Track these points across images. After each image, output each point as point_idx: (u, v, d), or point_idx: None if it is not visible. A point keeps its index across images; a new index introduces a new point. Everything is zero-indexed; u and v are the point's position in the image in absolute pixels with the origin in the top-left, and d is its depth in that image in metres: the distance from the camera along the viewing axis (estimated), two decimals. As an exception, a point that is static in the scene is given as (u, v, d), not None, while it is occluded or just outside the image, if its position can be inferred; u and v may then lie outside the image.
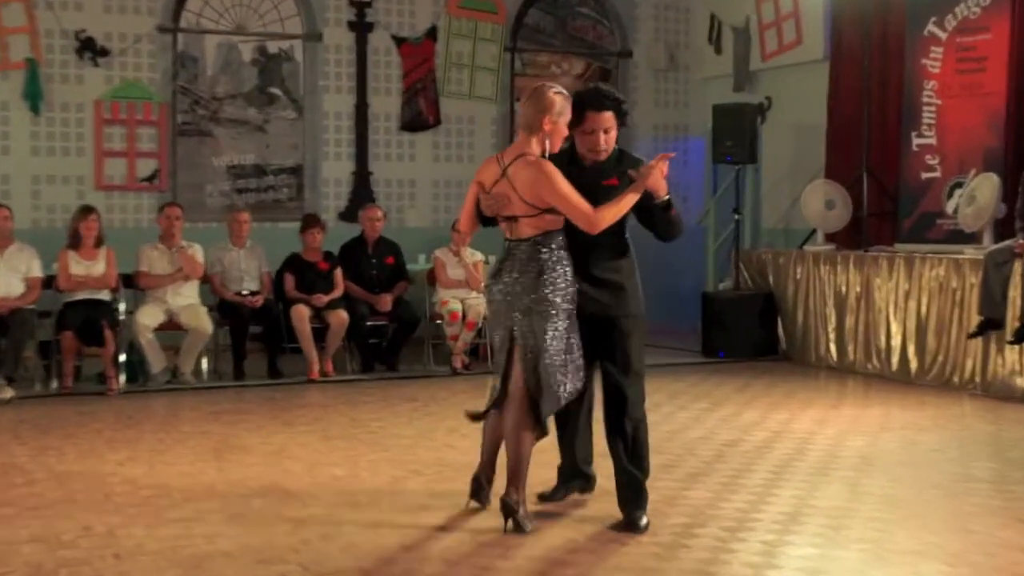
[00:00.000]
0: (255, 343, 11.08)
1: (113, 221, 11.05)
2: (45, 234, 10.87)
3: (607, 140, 6.00)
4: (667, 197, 5.93)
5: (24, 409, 9.39)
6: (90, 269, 10.50)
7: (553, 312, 5.76)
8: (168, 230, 10.88)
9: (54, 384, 10.25)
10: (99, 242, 10.58)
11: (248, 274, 11.15)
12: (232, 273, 11.12)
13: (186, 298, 10.74)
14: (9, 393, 9.70)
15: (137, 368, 10.58)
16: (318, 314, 10.91)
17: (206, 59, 13.20)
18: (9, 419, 9.01)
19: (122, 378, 10.36)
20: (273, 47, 13.42)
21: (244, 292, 11.02)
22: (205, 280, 10.99)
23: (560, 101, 5.94)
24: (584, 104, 5.95)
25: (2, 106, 12.21)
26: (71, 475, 7.07)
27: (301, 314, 10.79)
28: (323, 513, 6.16)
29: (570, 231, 5.85)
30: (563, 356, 5.80)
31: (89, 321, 10.23)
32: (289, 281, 11.11)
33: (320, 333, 10.93)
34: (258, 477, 7.00)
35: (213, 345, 10.96)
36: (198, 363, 10.79)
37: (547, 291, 5.74)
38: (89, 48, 12.42)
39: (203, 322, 10.63)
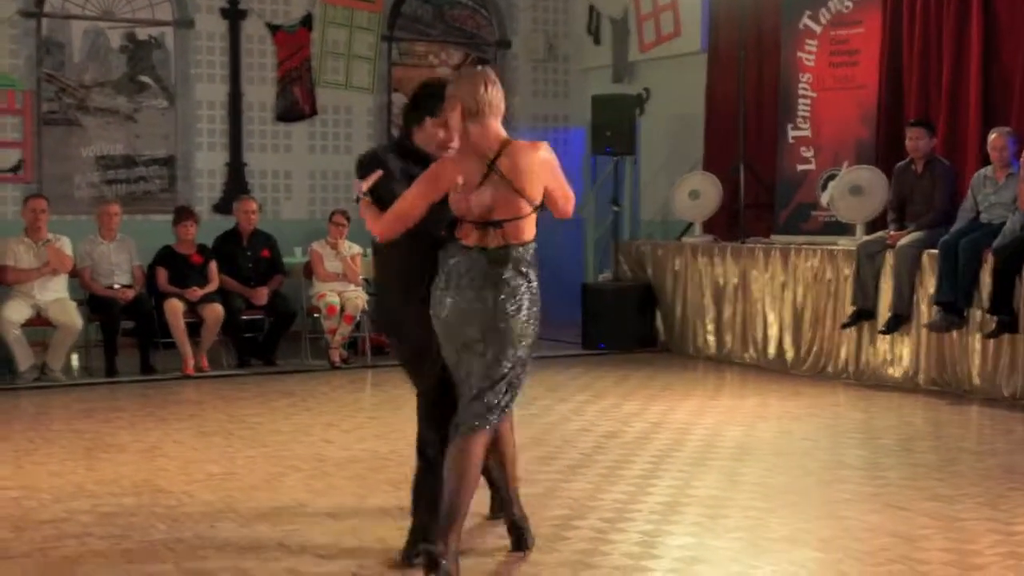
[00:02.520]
0: (127, 338, 10.98)
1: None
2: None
3: (448, 137, 5.34)
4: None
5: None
6: (-48, 263, 10.33)
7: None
8: (33, 223, 10.72)
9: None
10: (-42, 236, 10.41)
11: (119, 268, 11.03)
12: (102, 267, 10.99)
13: (54, 293, 10.60)
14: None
15: (4, 365, 10.41)
16: (192, 308, 10.84)
17: (73, 45, 12.99)
18: None
19: (-12, 376, 10.24)
20: (143, 34, 13.25)
21: (115, 286, 10.90)
22: (74, 274, 10.85)
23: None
24: (443, 95, 5.20)
25: None
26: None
27: (175, 308, 10.72)
28: (198, 511, 6.16)
29: (429, 241, 5.11)
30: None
31: (-48, 317, 10.08)
32: (162, 275, 11.02)
33: (194, 328, 10.86)
34: (131, 475, 6.96)
35: (83, 341, 10.83)
36: (68, 359, 10.68)
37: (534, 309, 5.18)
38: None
39: (72, 317, 10.49)
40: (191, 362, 10.73)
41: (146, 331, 10.89)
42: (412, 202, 4.88)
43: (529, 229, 5.18)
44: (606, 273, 13.30)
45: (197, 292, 10.91)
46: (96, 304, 10.87)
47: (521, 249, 5.10)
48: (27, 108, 12.56)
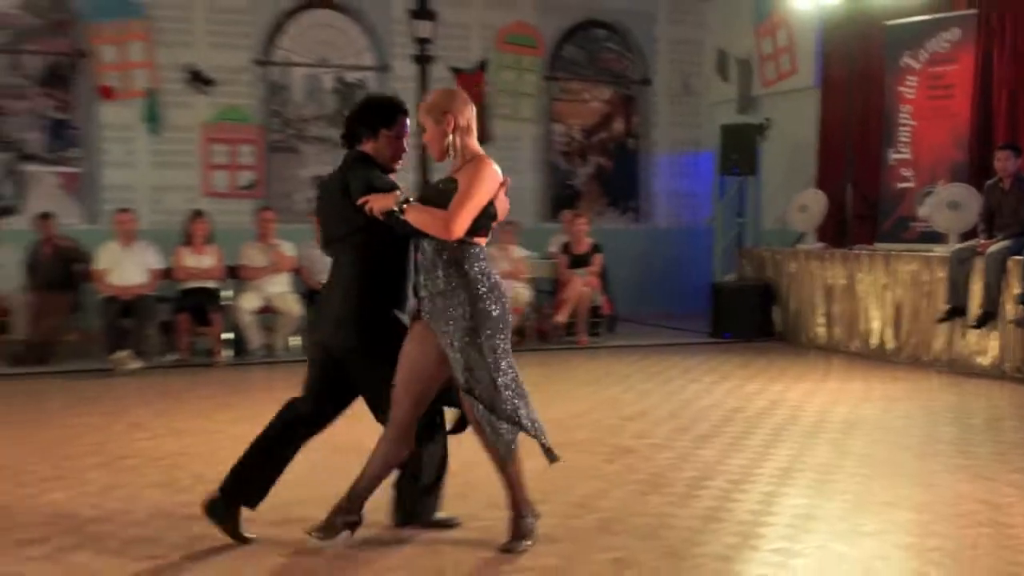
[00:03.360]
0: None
1: (219, 223, 11.14)
2: (163, 234, 10.97)
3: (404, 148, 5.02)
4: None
5: (147, 378, 9.54)
6: (200, 262, 10.63)
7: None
8: (264, 230, 11.00)
9: (172, 357, 10.38)
10: (208, 240, 10.71)
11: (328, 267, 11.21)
12: (317, 266, 11.16)
13: (279, 287, 10.85)
14: (136, 364, 9.85)
15: (239, 345, 10.70)
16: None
17: (294, 87, 13.29)
18: (135, 386, 9.15)
19: (227, 352, 10.49)
20: (350, 77, 13.50)
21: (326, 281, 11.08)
22: (295, 272, 11.09)
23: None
24: (398, 108, 4.97)
25: (128, 128, 12.36)
26: (185, 432, 7.19)
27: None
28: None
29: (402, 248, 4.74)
30: None
31: (200, 305, 10.38)
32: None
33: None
34: (337, 436, 7.07)
35: (302, 326, 11.05)
36: (288, 340, 10.89)
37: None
38: (198, 79, 12.54)
39: (293, 306, 10.74)
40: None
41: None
42: (483, 199, 4.55)
43: None
44: (731, 274, 13.13)
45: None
46: (312, 296, 11.09)
47: None
48: (259, 138, 12.88)
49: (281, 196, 13.02)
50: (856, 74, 12.33)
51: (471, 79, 13.75)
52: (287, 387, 8.98)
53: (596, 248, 12.04)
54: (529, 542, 4.70)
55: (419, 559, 4.59)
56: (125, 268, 10.29)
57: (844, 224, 11.97)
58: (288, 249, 11.00)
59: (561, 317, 11.62)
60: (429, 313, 4.57)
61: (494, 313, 4.57)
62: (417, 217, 4.45)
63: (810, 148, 13.08)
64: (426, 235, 4.52)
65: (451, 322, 4.52)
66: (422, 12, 13.40)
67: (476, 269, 4.57)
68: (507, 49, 14.00)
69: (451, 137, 4.69)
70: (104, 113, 12.35)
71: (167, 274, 10.60)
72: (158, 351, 10.39)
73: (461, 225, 4.45)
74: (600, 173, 14.90)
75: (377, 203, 4.53)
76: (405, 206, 4.45)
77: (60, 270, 10.59)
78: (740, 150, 12.85)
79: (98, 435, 7.10)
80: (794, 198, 12.55)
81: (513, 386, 4.69)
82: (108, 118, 12.37)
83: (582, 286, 11.63)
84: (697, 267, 14.25)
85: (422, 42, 13.47)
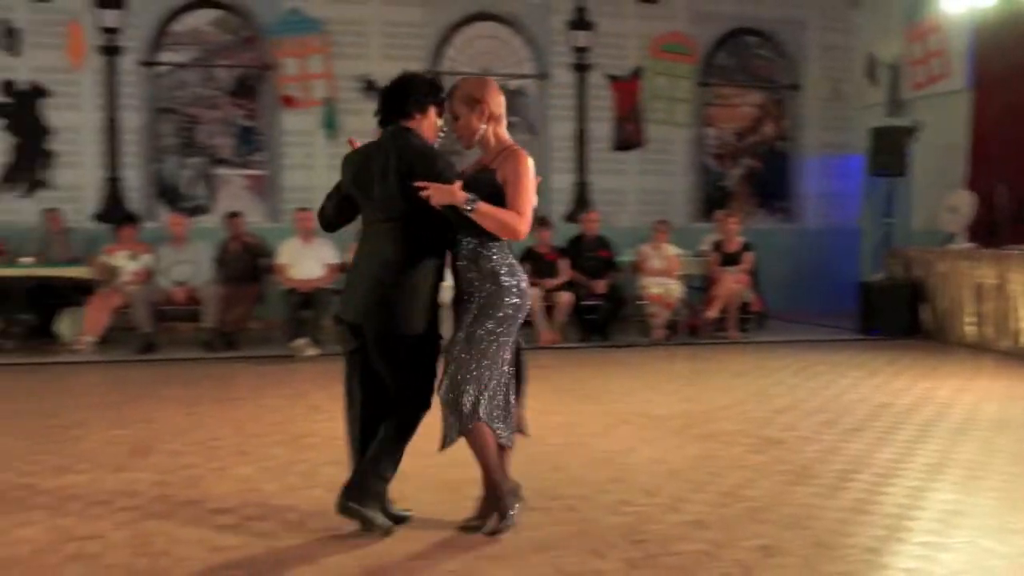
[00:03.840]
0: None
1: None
2: (339, 231, 11.18)
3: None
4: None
5: (323, 364, 9.76)
6: (373, 258, 10.82)
7: None
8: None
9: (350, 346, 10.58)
10: (380, 237, 10.89)
11: (493, 263, 11.32)
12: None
13: (448, 279, 10.95)
14: (313, 351, 10.11)
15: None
16: (547, 295, 11.03)
17: (461, 94, 13.41)
18: (312, 371, 9.38)
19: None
20: (512, 84, 13.57)
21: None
22: (460, 267, 11.20)
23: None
24: (443, 87, 4.78)
25: (307, 134, 12.69)
26: (359, 416, 7.33)
27: (534, 295, 10.93)
28: (550, 451, 6.24)
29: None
30: None
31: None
32: (525, 269, 11.23)
33: (548, 310, 11.05)
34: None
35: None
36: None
37: None
38: (371, 88, 12.78)
39: (458, 300, 10.84)
40: (546, 336, 10.91)
41: (512, 312, 11.14)
42: (533, 195, 4.42)
43: None
44: (879, 273, 12.73)
45: (551, 283, 11.10)
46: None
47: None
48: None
49: (447, 197, 13.17)
50: (1011, 74, 11.81)
51: (627, 86, 13.69)
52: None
53: (747, 247, 11.86)
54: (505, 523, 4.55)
55: (574, 539, 4.59)
56: (304, 263, 10.56)
57: (994, 224, 11.48)
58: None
59: (712, 312, 11.48)
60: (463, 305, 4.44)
61: (509, 310, 4.44)
62: (487, 217, 4.25)
63: (960, 149, 12.59)
64: (474, 229, 4.32)
65: (473, 309, 4.40)
66: (580, 23, 13.41)
67: (509, 264, 4.45)
68: (662, 57, 13.88)
69: (484, 126, 4.52)
70: (286, 120, 12.71)
71: (342, 268, 10.82)
72: (332, 340, 10.63)
73: (528, 226, 4.36)
74: (751, 174, 14.65)
75: (441, 196, 4.22)
76: (475, 205, 4.23)
77: (246, 264, 10.94)
78: (889, 152, 12.45)
79: (280, 415, 7.31)
80: (943, 199, 12.11)
81: (486, 380, 4.43)
82: (290, 125, 12.72)
83: (733, 283, 11.47)
84: (845, 266, 13.89)
85: (580, 51, 13.48)
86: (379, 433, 4.49)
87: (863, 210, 14.25)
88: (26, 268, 10.70)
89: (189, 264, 10.73)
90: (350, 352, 4.57)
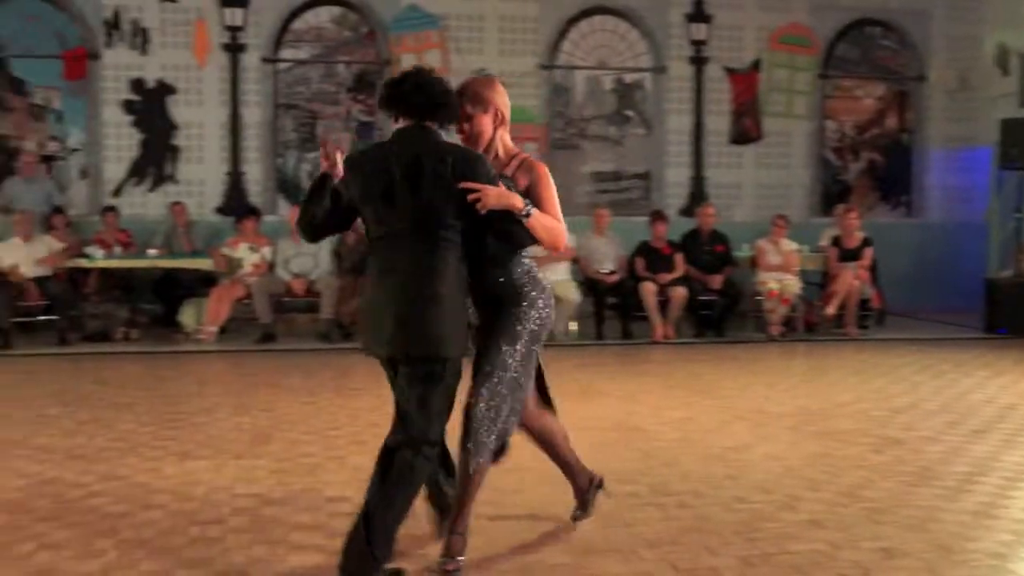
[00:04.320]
0: (611, 311, 11.22)
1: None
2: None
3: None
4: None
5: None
6: (488, 251, 10.87)
7: None
8: (546, 222, 11.14)
9: (460, 338, 10.66)
10: (495, 231, 10.94)
11: (607, 257, 11.29)
12: (594, 256, 11.29)
13: (559, 274, 10.96)
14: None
15: (521, 328, 10.88)
16: (662, 290, 10.94)
17: (576, 89, 13.40)
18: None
19: (510, 335, 10.69)
20: (628, 78, 13.49)
21: (603, 271, 11.17)
22: (575, 261, 11.19)
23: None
24: None
25: (425, 127, 12.81)
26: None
27: (649, 289, 10.85)
28: (664, 446, 6.19)
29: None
30: None
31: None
32: (639, 263, 11.18)
33: (663, 305, 10.95)
34: (613, 415, 7.10)
35: (580, 312, 11.15)
36: (568, 325, 11.00)
37: None
38: (489, 82, 12.84)
39: (572, 293, 10.84)
40: (660, 331, 10.82)
41: (626, 306, 11.09)
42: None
43: None
44: (1008, 270, 12.30)
45: (666, 277, 11.00)
46: (590, 284, 11.18)
47: None
48: (543, 136, 13.06)
49: (562, 189, 13.07)
50: None
51: (745, 78, 13.49)
52: (567, 368, 9.15)
53: (867, 242, 11.58)
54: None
55: (687, 535, 4.53)
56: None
57: None
58: (568, 240, 11.08)
59: (831, 309, 11.24)
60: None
61: (536, 324, 4.16)
62: (539, 225, 3.93)
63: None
64: (509, 239, 3.98)
65: (505, 326, 4.08)
66: (698, 15, 13.25)
67: (535, 276, 4.20)
68: (781, 49, 13.63)
69: (497, 132, 4.18)
70: (405, 115, 12.84)
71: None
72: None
73: (566, 239, 4.13)
74: (872, 168, 14.29)
75: (497, 201, 3.81)
76: (532, 210, 3.91)
77: (364, 257, 11.08)
78: (1021, 144, 12.00)
79: (396, 406, 7.39)
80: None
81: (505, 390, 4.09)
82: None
83: (852, 279, 11.20)
84: (971, 262, 13.44)
85: (697, 44, 13.32)
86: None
87: (991, 205, 13.78)
88: (152, 260, 11.03)
89: (308, 256, 10.93)
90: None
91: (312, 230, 4.06)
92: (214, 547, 4.33)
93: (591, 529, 4.61)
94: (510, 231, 3.90)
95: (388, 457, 3.92)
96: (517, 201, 3.84)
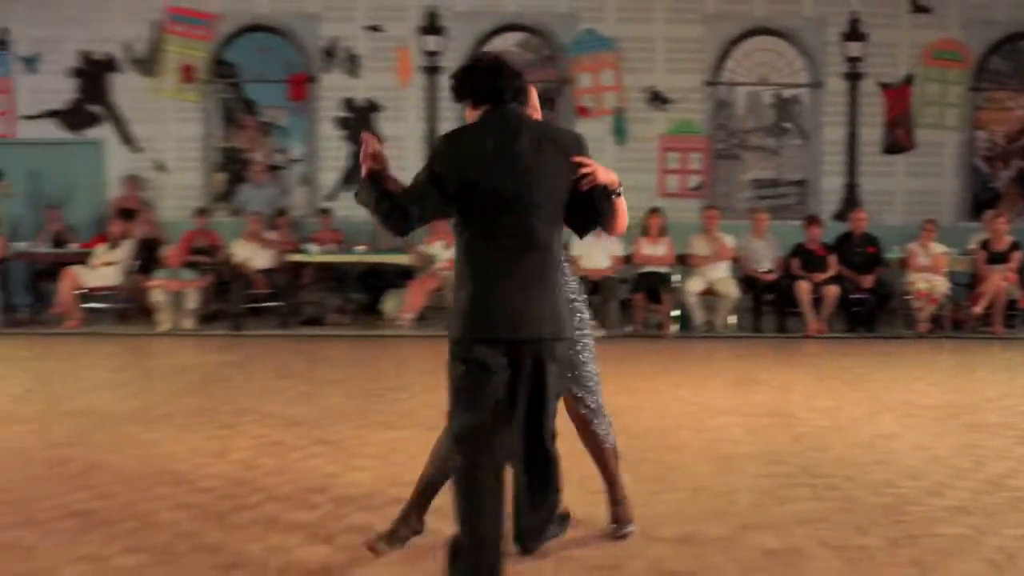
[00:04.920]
0: (768, 306, 10.98)
1: (671, 218, 11.28)
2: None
3: None
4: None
5: (608, 344, 9.80)
6: (655, 251, 10.80)
7: None
8: (709, 225, 11.00)
9: (628, 328, 10.65)
10: (662, 232, 10.87)
11: (765, 257, 11.05)
12: (753, 256, 11.07)
13: (720, 273, 10.82)
14: (599, 333, 10.18)
15: (684, 321, 10.79)
16: (816, 288, 10.63)
17: (738, 103, 13.14)
18: (597, 350, 9.43)
19: (674, 327, 10.61)
20: (787, 93, 13.15)
21: (761, 270, 10.94)
22: (734, 260, 11.01)
23: None
24: None
25: (599, 140, 12.77)
26: (638, 390, 7.29)
27: (803, 287, 10.57)
28: (815, 432, 6.04)
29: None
30: None
31: (653, 287, 10.57)
32: (795, 263, 10.90)
33: (816, 302, 10.64)
34: (768, 403, 6.96)
35: (739, 307, 10.94)
36: (727, 319, 10.83)
37: None
38: (657, 98, 12.75)
39: (731, 290, 10.66)
40: (813, 326, 10.53)
41: (782, 302, 10.83)
42: None
43: None
44: None
45: (820, 276, 10.69)
46: (748, 282, 10.97)
47: None
48: (706, 147, 12.88)
49: (724, 196, 12.94)
50: None
51: (898, 92, 12.95)
52: (725, 359, 9.03)
53: (1015, 246, 10.97)
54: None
55: (836, 515, 4.41)
56: (594, 254, 10.67)
57: None
58: (729, 241, 10.94)
59: (978, 308, 10.69)
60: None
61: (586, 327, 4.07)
62: (622, 205, 3.44)
63: None
64: (597, 219, 3.43)
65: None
66: (854, 34, 12.81)
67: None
68: (934, 64, 13.03)
69: None
70: (581, 128, 12.83)
71: (627, 260, 10.87)
72: (617, 323, 10.68)
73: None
74: (1022, 176, 13.51)
75: (604, 175, 3.34)
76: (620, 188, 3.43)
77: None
78: None
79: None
80: None
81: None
82: (584, 132, 12.79)
83: (1000, 280, 10.63)
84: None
85: (853, 61, 12.87)
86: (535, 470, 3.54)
87: None
88: (359, 255, 11.40)
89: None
90: (492, 394, 3.34)
91: (406, 224, 3.38)
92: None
93: (746, 505, 4.54)
94: (603, 209, 3.38)
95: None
96: (614, 177, 3.38)
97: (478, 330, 3.29)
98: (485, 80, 3.40)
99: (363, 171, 3.45)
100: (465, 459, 3.31)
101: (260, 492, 4.70)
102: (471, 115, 3.44)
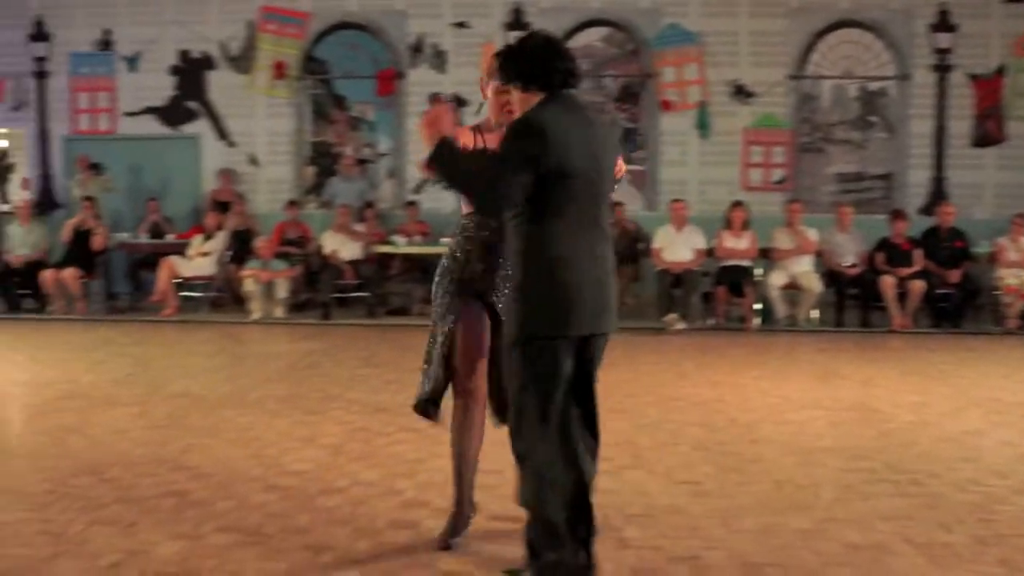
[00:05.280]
0: (851, 301, 10.73)
1: (754, 212, 11.11)
2: (708, 220, 11.12)
3: (494, 105, 3.63)
4: (436, 144, 3.19)
5: (690, 337, 9.74)
6: (738, 244, 10.64)
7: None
8: (792, 218, 10.80)
9: (710, 321, 10.52)
10: (745, 226, 10.71)
11: (849, 251, 10.81)
12: (837, 250, 10.84)
13: (803, 266, 10.61)
14: (681, 325, 10.11)
15: (767, 314, 10.61)
16: (901, 282, 10.37)
17: (822, 97, 12.87)
18: (680, 343, 9.38)
19: (756, 320, 10.45)
20: (873, 86, 12.83)
21: (845, 264, 10.71)
22: (817, 254, 10.80)
23: (494, 62, 3.54)
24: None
25: (682, 134, 12.66)
26: (720, 383, 7.20)
27: (888, 282, 10.31)
28: (900, 427, 5.89)
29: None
30: None
31: (736, 280, 10.42)
32: (879, 257, 10.64)
33: (901, 296, 10.38)
34: (851, 397, 6.81)
35: (821, 301, 10.73)
36: (809, 313, 10.63)
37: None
38: (740, 92, 12.55)
39: (814, 284, 10.45)
40: (898, 321, 10.25)
41: (866, 296, 10.58)
42: None
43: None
44: None
45: (904, 271, 10.42)
46: (831, 275, 10.74)
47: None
48: (790, 141, 12.65)
49: (807, 190, 12.70)
50: None
51: (989, 84, 12.54)
52: (807, 353, 8.86)
53: (1111, 241, 10.54)
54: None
55: (921, 511, 4.30)
56: (676, 247, 10.58)
57: None
58: (812, 235, 10.72)
59: (1072, 304, 10.31)
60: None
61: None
62: None
63: None
64: None
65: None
66: (943, 25, 12.44)
67: None
68: (1025, 54, 12.59)
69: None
70: (664, 122, 12.74)
71: (710, 253, 10.74)
72: (700, 316, 10.55)
73: None
74: (1118, 169, 12.99)
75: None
76: None
77: (626, 247, 11.10)
78: None
79: (652, 379, 7.37)
80: None
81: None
82: (667, 126, 12.74)
83: (1094, 276, 10.23)
84: None
85: (941, 52, 12.50)
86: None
87: None
88: (444, 246, 11.42)
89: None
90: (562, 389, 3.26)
91: (507, 203, 3.17)
92: (493, 492, 4.45)
93: (829, 499, 4.45)
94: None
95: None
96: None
97: (563, 326, 3.19)
98: (539, 61, 3.26)
99: (438, 136, 3.20)
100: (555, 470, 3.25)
101: (347, 477, 4.77)
102: (522, 98, 3.28)
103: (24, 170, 13.68)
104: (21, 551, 3.83)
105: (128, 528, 4.05)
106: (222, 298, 11.62)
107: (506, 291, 3.51)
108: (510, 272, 3.35)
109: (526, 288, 3.21)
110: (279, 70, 12.92)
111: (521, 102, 3.29)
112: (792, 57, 12.61)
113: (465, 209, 3.69)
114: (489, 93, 3.57)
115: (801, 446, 5.37)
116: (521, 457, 3.29)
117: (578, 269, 3.19)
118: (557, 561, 3.23)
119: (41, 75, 13.33)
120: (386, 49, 12.98)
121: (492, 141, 3.57)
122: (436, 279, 3.78)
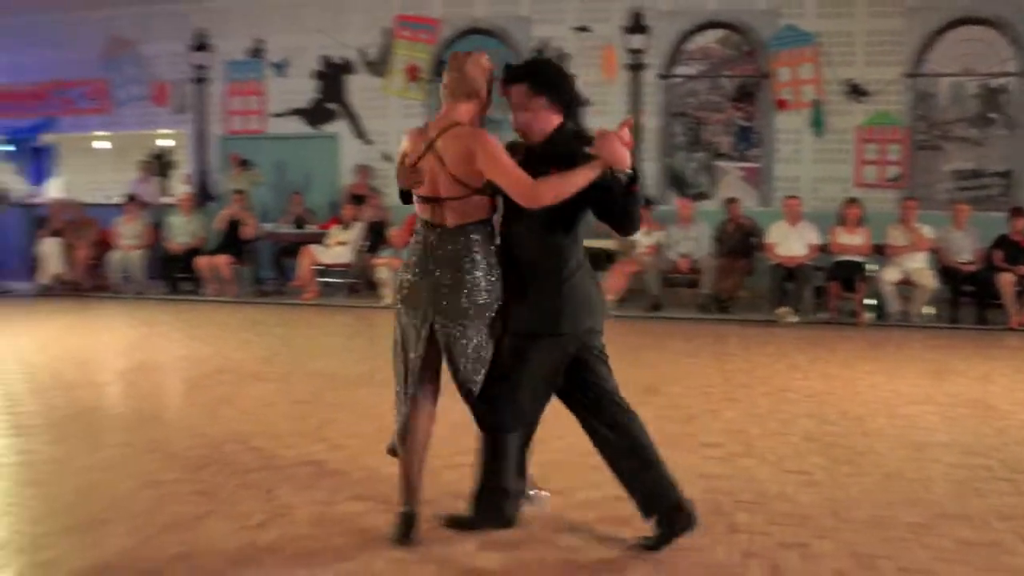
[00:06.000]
0: (967, 298, 10.26)
1: (868, 208, 10.73)
2: (822, 216, 10.80)
3: (519, 119, 3.68)
4: (630, 171, 3.38)
5: (802, 330, 9.48)
6: (851, 240, 10.28)
7: (470, 320, 3.53)
8: (906, 215, 10.38)
9: (823, 315, 10.21)
10: (858, 222, 10.36)
11: (965, 248, 10.33)
12: (953, 247, 10.37)
13: (917, 263, 10.19)
14: (794, 319, 9.85)
15: (879, 309, 10.24)
16: (1020, 280, 9.84)
17: (940, 95, 12.31)
18: (792, 336, 9.14)
19: (869, 315, 10.09)
20: (993, 83, 12.21)
21: (961, 261, 10.23)
22: (932, 251, 10.35)
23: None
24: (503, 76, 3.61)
25: (796, 132, 12.31)
26: (832, 376, 7.01)
27: (1006, 279, 9.80)
28: (1017, 425, 5.58)
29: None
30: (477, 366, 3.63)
31: (848, 275, 10.09)
32: (998, 255, 10.12)
33: (1020, 294, 9.85)
34: (966, 393, 6.50)
35: (936, 298, 10.29)
36: (923, 309, 10.20)
37: (465, 293, 3.50)
38: (855, 90, 12.12)
39: (929, 280, 10.03)
40: (1016, 319, 9.76)
41: (982, 294, 10.10)
42: None
43: (461, 212, 3.58)
44: None
45: (1023, 269, 9.90)
46: (947, 273, 10.29)
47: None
48: (905, 138, 12.15)
49: (923, 187, 12.18)
50: None
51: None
52: (920, 348, 8.51)
53: None
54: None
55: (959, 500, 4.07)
56: (790, 242, 10.30)
57: None
58: (927, 232, 10.29)
59: None
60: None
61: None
62: None
63: None
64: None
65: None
66: (1067, 22, 11.75)
67: None
68: None
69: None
70: (779, 120, 12.41)
71: (823, 248, 10.42)
72: (812, 310, 10.26)
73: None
74: None
75: None
76: None
77: (740, 242, 10.88)
78: None
79: (765, 371, 7.20)
80: None
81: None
82: (782, 124, 12.40)
83: None
84: None
85: (1066, 49, 11.82)
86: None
87: None
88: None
89: (692, 240, 10.91)
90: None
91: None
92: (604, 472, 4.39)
93: (943, 494, 4.26)
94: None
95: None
96: None
97: (585, 324, 3.59)
98: (572, 88, 3.73)
99: (627, 162, 3.38)
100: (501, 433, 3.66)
101: (468, 453, 4.78)
102: (545, 116, 3.57)
103: (185, 166, 14.31)
104: (179, 508, 3.99)
105: (269, 494, 4.17)
106: (357, 284, 11.86)
107: (445, 303, 3.52)
108: (483, 281, 3.50)
109: (542, 290, 3.50)
110: (412, 73, 13.10)
111: (542, 116, 3.61)
112: (908, 55, 12.11)
113: (420, 215, 3.73)
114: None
115: (913, 440, 5.16)
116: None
117: (590, 272, 3.72)
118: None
119: (200, 81, 13.86)
120: (511, 53, 13.00)
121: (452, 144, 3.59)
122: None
